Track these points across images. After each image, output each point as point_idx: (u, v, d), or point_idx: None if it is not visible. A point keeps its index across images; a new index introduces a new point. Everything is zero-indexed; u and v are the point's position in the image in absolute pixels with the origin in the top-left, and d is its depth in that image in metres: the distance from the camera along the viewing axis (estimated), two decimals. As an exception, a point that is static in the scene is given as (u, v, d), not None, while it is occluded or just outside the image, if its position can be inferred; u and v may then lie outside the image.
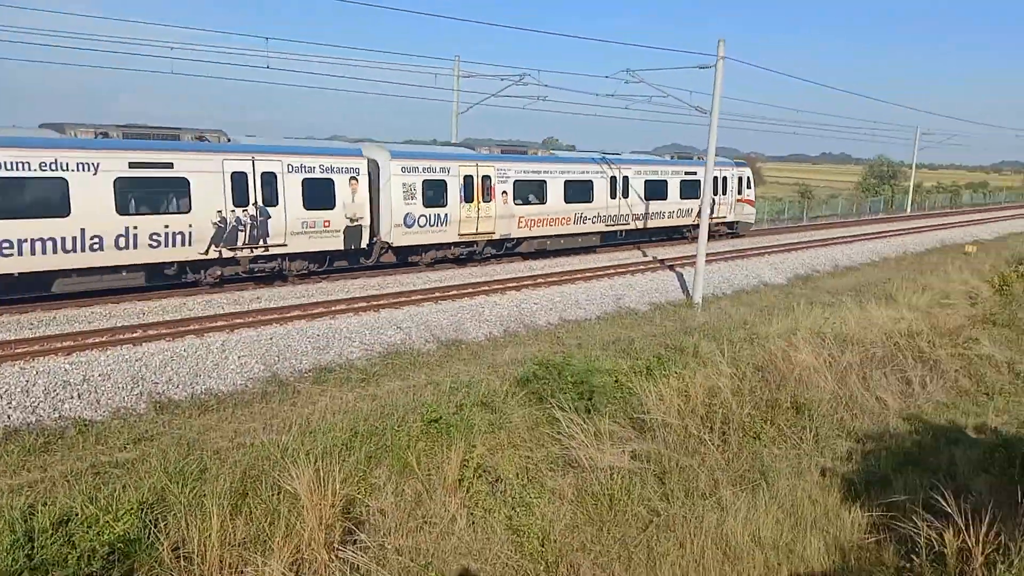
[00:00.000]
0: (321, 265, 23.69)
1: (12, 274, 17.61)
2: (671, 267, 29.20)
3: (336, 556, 9.36)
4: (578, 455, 12.23)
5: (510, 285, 23.89)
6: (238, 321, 17.97)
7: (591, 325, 21.43)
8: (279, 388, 14.91)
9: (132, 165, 18.97)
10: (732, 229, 40.08)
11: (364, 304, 20.33)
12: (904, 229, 48.02)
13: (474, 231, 26.97)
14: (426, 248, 26.23)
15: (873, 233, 44.77)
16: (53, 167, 17.78)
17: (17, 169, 17.31)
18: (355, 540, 9.65)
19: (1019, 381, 18.42)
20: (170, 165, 19.59)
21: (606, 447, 12.48)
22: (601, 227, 32.22)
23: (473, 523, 10.47)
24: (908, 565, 9.73)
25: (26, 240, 17.48)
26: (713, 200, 36.20)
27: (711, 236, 36.19)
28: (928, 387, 17.74)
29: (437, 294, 22.06)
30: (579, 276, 26.13)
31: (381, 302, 20.66)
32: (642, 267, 28.92)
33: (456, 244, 26.88)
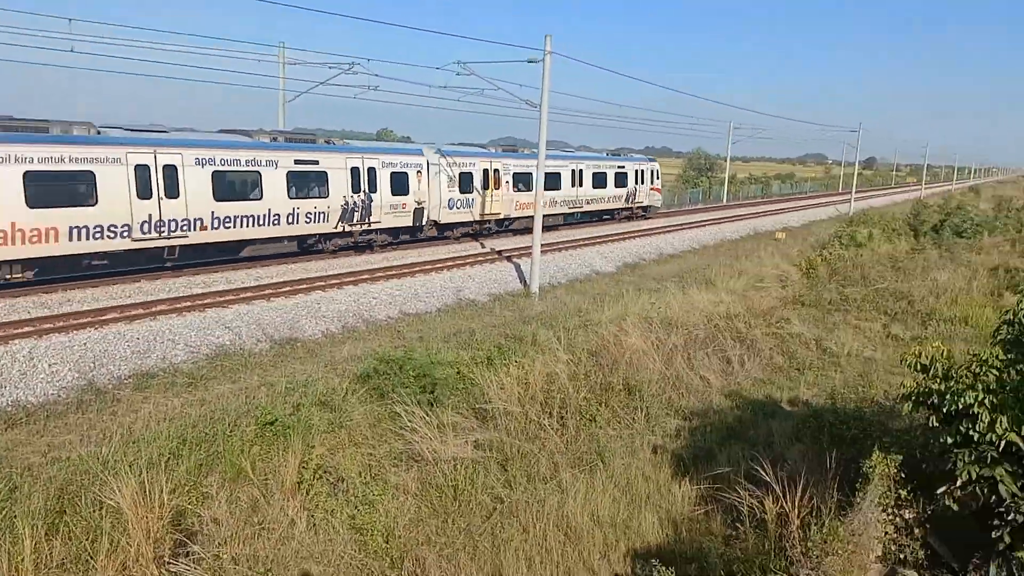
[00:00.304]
0: (396, 238, 30.06)
1: (230, 241, 23.82)
2: (508, 258, 29.64)
3: (167, 571, 8.83)
4: (421, 448, 12.18)
5: (347, 280, 23.40)
6: (47, 326, 16.51)
7: (432, 318, 21.38)
8: (96, 397, 13.83)
9: (296, 162, 25.28)
10: (645, 212, 48.35)
11: (188, 304, 19.24)
12: (721, 218, 51.27)
13: (489, 212, 33.97)
14: (457, 225, 32.71)
15: (693, 222, 47.48)
16: (252, 164, 23.86)
17: (233, 165, 23.30)
18: (188, 552, 9.14)
19: (826, 356, 20.08)
20: (317, 162, 26.06)
21: (449, 439, 12.50)
22: (566, 209, 40.19)
23: (314, 525, 10.18)
24: (734, 533, 10.40)
25: (239, 216, 23.53)
26: (636, 188, 45.82)
27: (630, 217, 45.79)
28: (746, 365, 19.00)
29: (269, 291, 21.24)
30: (419, 269, 26.02)
31: (206, 301, 19.63)
32: (481, 259, 29.18)
33: (477, 222, 33.55)
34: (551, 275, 28.11)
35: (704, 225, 46.78)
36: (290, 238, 26.48)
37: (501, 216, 35.05)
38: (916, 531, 9.03)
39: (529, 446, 12.91)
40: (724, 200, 72.62)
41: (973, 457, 7.89)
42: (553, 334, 17.66)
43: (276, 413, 12.11)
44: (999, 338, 9.06)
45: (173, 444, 11.03)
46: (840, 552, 8.30)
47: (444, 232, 32.82)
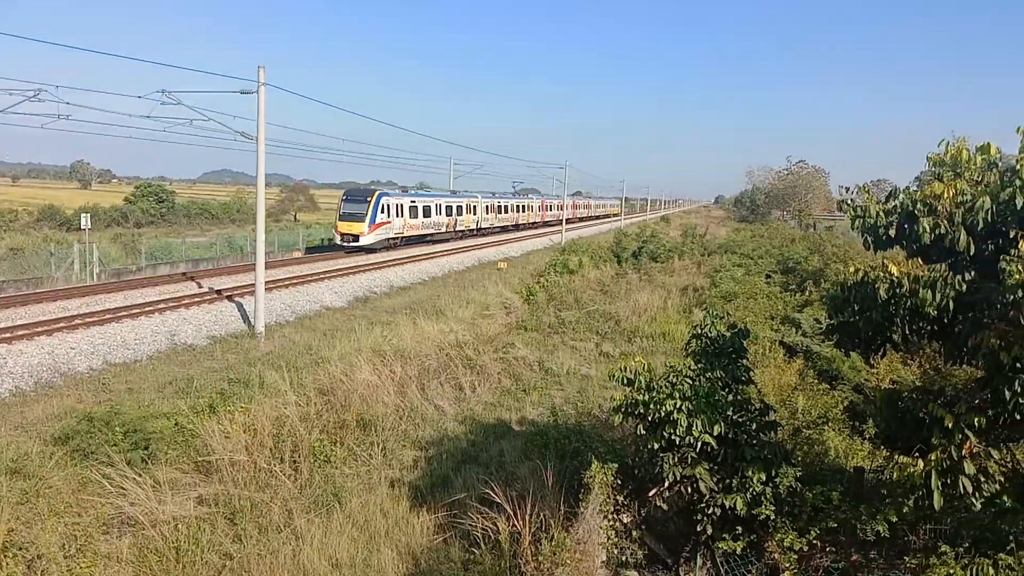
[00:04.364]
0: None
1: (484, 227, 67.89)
2: (229, 297, 28.10)
3: None
4: (135, 512, 11.07)
5: (39, 330, 20.75)
6: None
7: (143, 366, 19.61)
8: None
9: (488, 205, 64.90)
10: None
11: None
12: (448, 250, 52.67)
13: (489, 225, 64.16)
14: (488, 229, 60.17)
15: (421, 255, 48.27)
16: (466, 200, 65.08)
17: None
18: None
19: (548, 376, 21.26)
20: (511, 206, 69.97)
21: (168, 497, 11.53)
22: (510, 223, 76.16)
23: (5, 615, 8.83)
24: (472, 557, 10.59)
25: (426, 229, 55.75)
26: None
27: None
28: (478, 390, 19.59)
29: (-61, 348, 18.26)
30: (125, 314, 23.75)
31: None
32: (198, 299, 27.33)
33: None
34: (278, 313, 27.08)
35: (432, 257, 47.75)
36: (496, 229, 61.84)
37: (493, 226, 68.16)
38: (634, 533, 9.78)
39: (260, 495, 12.26)
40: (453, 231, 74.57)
41: (676, 459, 8.75)
42: (281, 375, 16.98)
43: (-50, 490, 10.39)
44: (691, 350, 10.15)
45: None
46: (568, 562, 8.76)
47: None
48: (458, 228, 60.97)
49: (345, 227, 45.78)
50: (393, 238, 49.08)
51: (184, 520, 11.13)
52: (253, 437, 13.63)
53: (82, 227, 35.35)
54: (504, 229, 73.28)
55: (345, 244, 45.91)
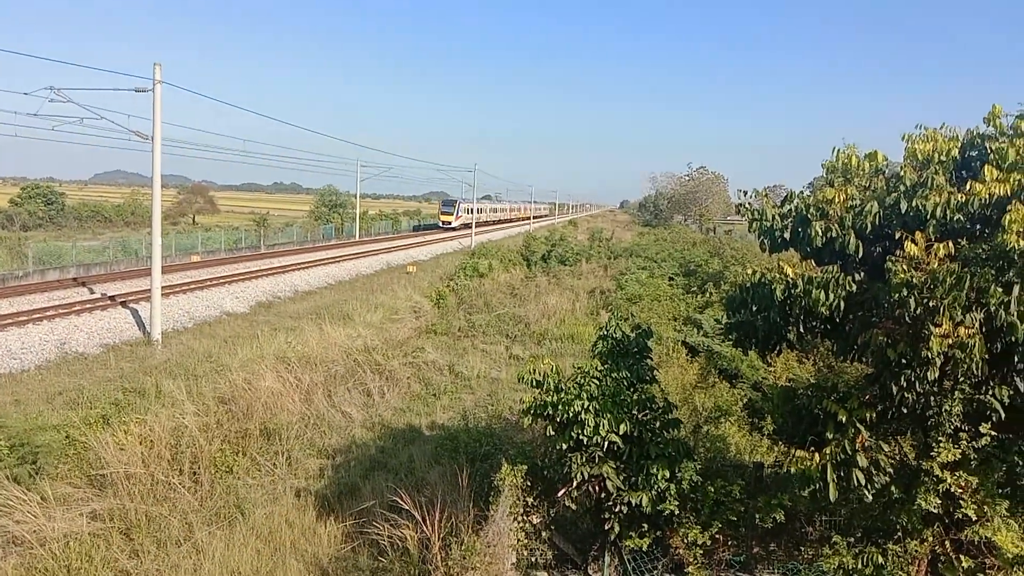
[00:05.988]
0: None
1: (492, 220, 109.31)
2: (124, 303, 26.90)
3: None
4: (20, 530, 10.45)
5: (-88, 340, 19.41)
6: None
7: (31, 377, 18.58)
8: None
9: (491, 208, 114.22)
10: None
11: None
12: (355, 254, 51.91)
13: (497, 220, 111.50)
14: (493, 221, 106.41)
15: (328, 259, 47.43)
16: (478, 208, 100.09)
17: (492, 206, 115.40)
18: None
19: (459, 380, 21.21)
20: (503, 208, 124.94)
21: (58, 514, 10.95)
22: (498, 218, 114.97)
23: None
24: (380, 564, 10.43)
25: (494, 219, 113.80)
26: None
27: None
28: (387, 396, 19.36)
29: None
30: (11, 321, 22.44)
31: None
32: (90, 306, 26.05)
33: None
34: (175, 319, 26.08)
35: (339, 261, 46.96)
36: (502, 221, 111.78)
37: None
38: (544, 534, 9.83)
39: (158, 509, 11.79)
40: (357, 236, 73.67)
41: (584, 459, 8.85)
42: (180, 384, 16.37)
43: None
44: (597, 351, 10.29)
45: None
46: (478, 566, 8.73)
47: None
48: (481, 220, 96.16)
49: (444, 218, 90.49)
50: (462, 224, 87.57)
51: (76, 537, 10.61)
52: (150, 449, 13.09)
53: (-39, 230, 33.34)
54: (497, 222, 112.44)
55: (443, 227, 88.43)
